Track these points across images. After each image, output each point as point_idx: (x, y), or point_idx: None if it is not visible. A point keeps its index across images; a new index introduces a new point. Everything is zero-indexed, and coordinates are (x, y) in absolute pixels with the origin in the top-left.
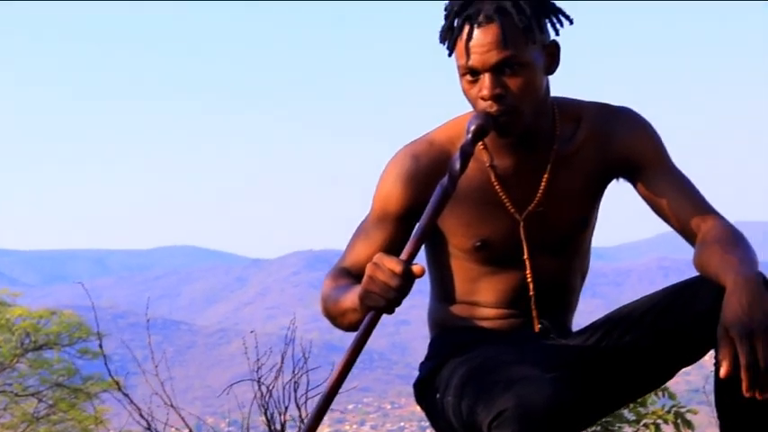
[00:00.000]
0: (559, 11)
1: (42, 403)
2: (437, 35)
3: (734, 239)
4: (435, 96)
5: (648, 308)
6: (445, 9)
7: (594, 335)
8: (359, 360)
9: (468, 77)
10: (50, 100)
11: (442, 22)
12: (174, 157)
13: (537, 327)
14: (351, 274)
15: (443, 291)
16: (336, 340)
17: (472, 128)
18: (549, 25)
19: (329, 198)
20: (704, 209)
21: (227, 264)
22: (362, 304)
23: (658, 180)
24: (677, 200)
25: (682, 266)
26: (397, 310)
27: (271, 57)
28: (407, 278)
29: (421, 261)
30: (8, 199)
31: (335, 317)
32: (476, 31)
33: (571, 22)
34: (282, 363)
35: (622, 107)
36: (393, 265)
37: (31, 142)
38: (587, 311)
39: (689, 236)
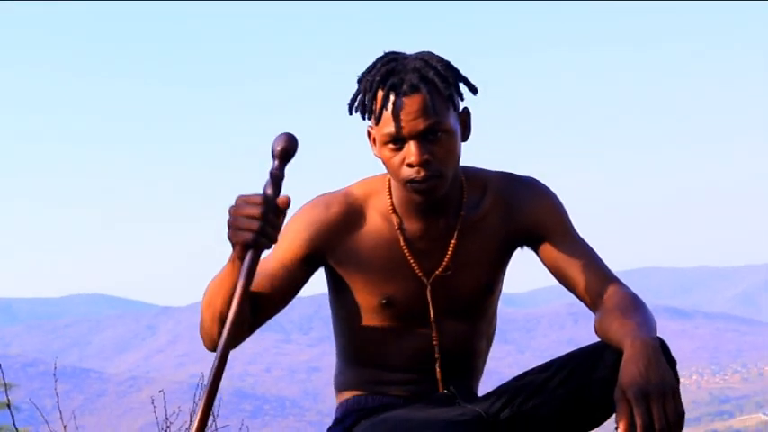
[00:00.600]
0: (466, 79)
1: None
2: (346, 106)
3: (633, 305)
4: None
5: (551, 374)
6: (361, 79)
7: (499, 400)
8: (270, 407)
9: (392, 146)
10: None
11: (354, 91)
12: (83, 204)
13: (441, 389)
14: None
15: (349, 353)
16: (248, 387)
17: (277, 149)
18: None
19: None
20: (605, 277)
21: (136, 311)
22: (233, 245)
23: (561, 250)
24: (579, 269)
25: (591, 312)
26: (308, 356)
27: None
28: (268, 204)
29: (327, 321)
30: None
31: (216, 294)
32: (401, 101)
33: (475, 92)
34: (191, 420)
35: (527, 177)
36: (254, 198)
37: None
38: (498, 357)
39: (591, 304)
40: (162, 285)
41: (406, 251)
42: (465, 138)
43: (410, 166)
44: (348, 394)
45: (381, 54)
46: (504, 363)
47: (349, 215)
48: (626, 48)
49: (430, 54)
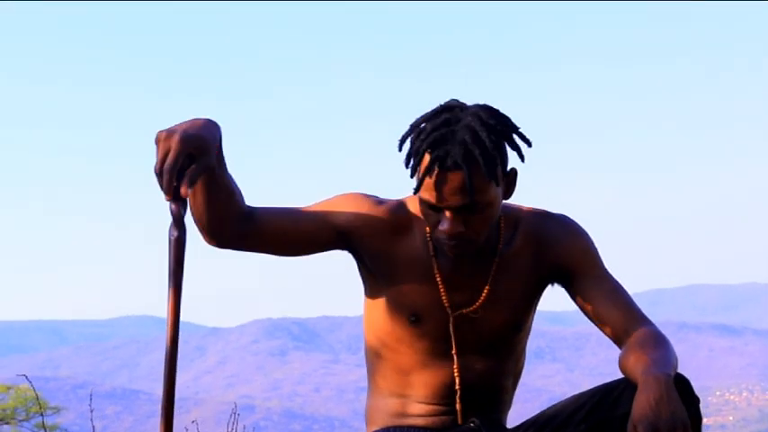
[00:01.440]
0: (522, 137)
1: None
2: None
3: (653, 342)
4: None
5: (575, 409)
6: (411, 134)
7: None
8: (319, 427)
9: (428, 206)
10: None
11: (405, 132)
12: (131, 224)
13: (461, 421)
14: (250, 210)
15: (377, 384)
16: (297, 408)
17: (172, 213)
18: (509, 153)
19: (288, 267)
20: (632, 316)
21: (185, 333)
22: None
23: (590, 288)
24: (607, 308)
25: None
26: (357, 376)
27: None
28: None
29: (360, 355)
30: None
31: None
32: (442, 174)
33: (530, 145)
34: None
35: (559, 214)
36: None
37: None
38: (548, 375)
39: (618, 341)
40: (211, 306)
41: (438, 280)
42: (507, 196)
43: (443, 232)
44: (376, 424)
45: (438, 107)
46: (553, 381)
47: (396, 221)
48: (662, 56)
49: (485, 117)
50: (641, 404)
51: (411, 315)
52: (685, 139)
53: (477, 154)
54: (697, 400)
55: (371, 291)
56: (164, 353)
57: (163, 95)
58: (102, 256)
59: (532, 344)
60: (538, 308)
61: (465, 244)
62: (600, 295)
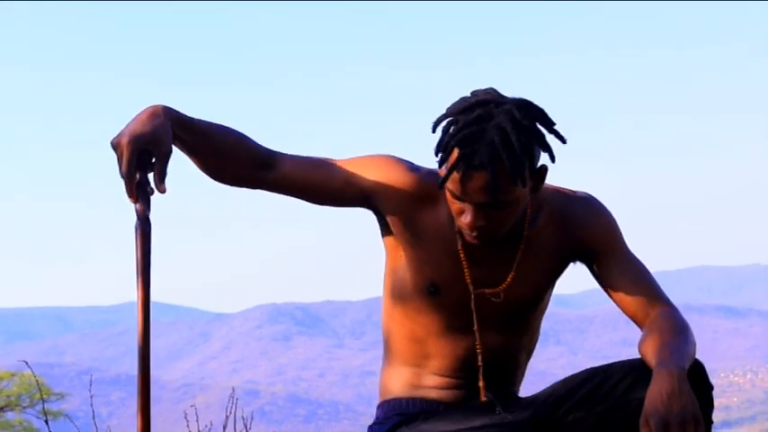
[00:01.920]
0: (555, 133)
1: None
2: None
3: (673, 329)
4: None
5: (593, 387)
6: (448, 115)
7: (539, 411)
8: (324, 412)
9: (453, 198)
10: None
11: (439, 116)
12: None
13: (483, 398)
14: (270, 156)
15: (392, 353)
16: (301, 392)
17: (137, 213)
18: (541, 151)
19: (292, 252)
20: (654, 298)
21: (190, 319)
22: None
23: (613, 268)
24: (629, 288)
25: None
26: (361, 361)
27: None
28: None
29: (379, 326)
30: None
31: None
32: (468, 172)
33: (564, 142)
34: (225, 430)
35: (583, 193)
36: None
37: None
38: (551, 358)
39: (639, 323)
40: (215, 292)
41: (462, 256)
42: (534, 191)
43: (465, 224)
44: (389, 395)
45: (475, 100)
46: (556, 364)
47: (424, 191)
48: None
49: (519, 116)
50: (653, 398)
51: (430, 285)
52: (691, 124)
53: (505, 157)
54: (710, 387)
55: (392, 256)
56: (169, 339)
57: (175, 84)
58: (107, 242)
59: None
60: None
61: (486, 237)
62: (622, 277)
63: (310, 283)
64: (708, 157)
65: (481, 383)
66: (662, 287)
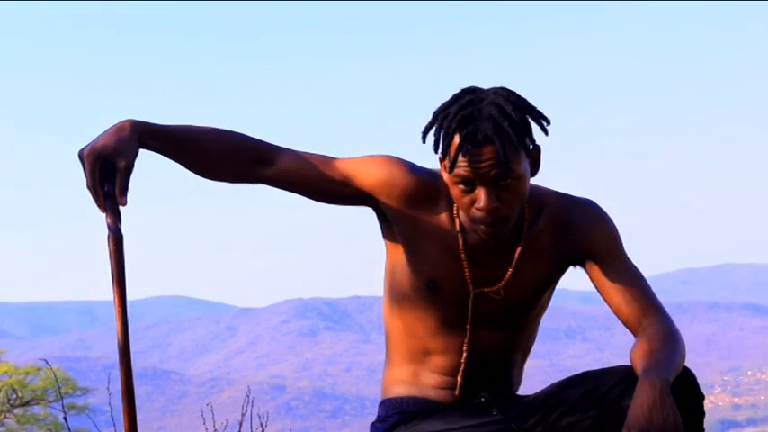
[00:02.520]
0: (541, 115)
1: None
2: (420, 136)
3: (662, 340)
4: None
5: (586, 392)
6: (438, 114)
7: (534, 414)
8: (350, 407)
9: (462, 186)
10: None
11: (428, 123)
12: (161, 205)
13: (458, 393)
14: (267, 152)
15: (392, 351)
16: (328, 387)
17: (107, 224)
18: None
19: (319, 247)
20: (648, 307)
21: (216, 313)
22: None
23: (609, 274)
24: (624, 295)
25: (671, 309)
26: None
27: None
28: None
29: (378, 319)
30: None
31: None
32: (474, 149)
33: (549, 122)
34: (240, 429)
35: (584, 199)
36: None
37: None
38: (578, 355)
39: (632, 329)
40: (242, 287)
41: (462, 255)
42: (534, 174)
43: (479, 210)
44: (390, 393)
45: (459, 91)
46: (583, 361)
47: (424, 191)
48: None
49: (506, 95)
50: (635, 409)
51: (429, 283)
52: (716, 118)
53: (507, 126)
54: (701, 397)
55: (392, 254)
56: (196, 334)
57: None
58: (134, 236)
59: (563, 323)
60: (569, 287)
61: (500, 222)
62: (618, 283)
63: (337, 278)
64: (735, 153)
65: (459, 379)
66: (690, 284)
